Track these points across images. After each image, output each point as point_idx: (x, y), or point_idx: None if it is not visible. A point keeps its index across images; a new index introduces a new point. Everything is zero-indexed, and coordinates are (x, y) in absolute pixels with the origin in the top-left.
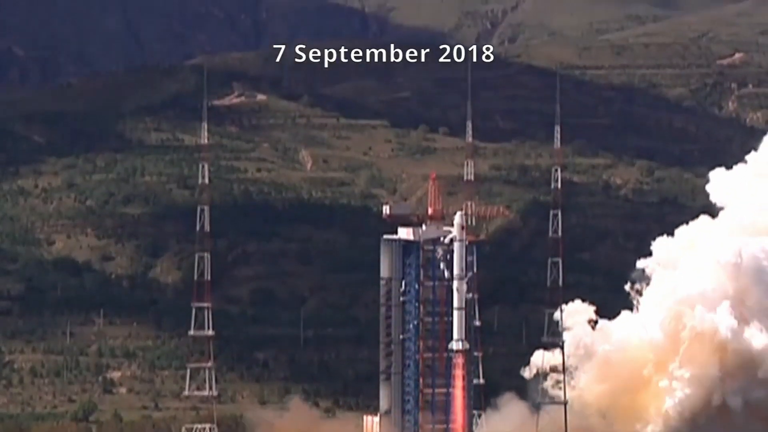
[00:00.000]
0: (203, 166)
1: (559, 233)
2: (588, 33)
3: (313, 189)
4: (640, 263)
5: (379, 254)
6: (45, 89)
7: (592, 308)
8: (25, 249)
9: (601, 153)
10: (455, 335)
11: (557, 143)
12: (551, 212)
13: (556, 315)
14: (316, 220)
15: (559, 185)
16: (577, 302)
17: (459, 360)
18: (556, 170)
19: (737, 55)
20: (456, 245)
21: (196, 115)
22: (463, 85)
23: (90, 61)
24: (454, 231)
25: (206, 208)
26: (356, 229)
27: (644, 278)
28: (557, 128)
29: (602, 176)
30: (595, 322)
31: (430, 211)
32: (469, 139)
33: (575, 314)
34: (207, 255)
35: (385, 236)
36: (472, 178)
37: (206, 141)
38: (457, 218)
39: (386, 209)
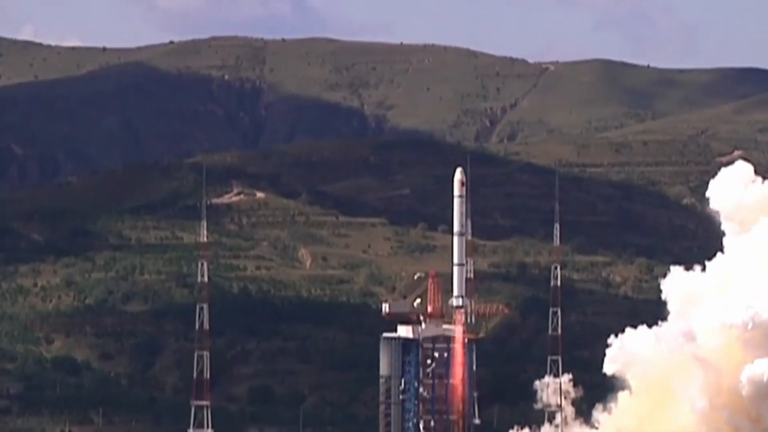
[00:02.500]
0: (202, 265)
1: (559, 331)
2: (587, 130)
3: (312, 287)
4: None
5: (379, 352)
6: (44, 187)
7: (577, 390)
8: (24, 348)
9: (601, 250)
10: (455, 292)
11: (556, 241)
12: (551, 310)
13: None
14: (316, 318)
15: (559, 283)
16: (567, 377)
17: (459, 316)
18: (556, 268)
19: (736, 153)
20: (456, 201)
21: (195, 214)
22: None
23: (89, 160)
24: (454, 190)
25: (205, 306)
26: (355, 327)
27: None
28: (556, 226)
29: (601, 274)
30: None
31: (429, 309)
32: (469, 236)
33: (558, 391)
34: (206, 353)
35: (385, 334)
36: (472, 276)
37: (205, 239)
38: (458, 174)
39: (385, 307)
